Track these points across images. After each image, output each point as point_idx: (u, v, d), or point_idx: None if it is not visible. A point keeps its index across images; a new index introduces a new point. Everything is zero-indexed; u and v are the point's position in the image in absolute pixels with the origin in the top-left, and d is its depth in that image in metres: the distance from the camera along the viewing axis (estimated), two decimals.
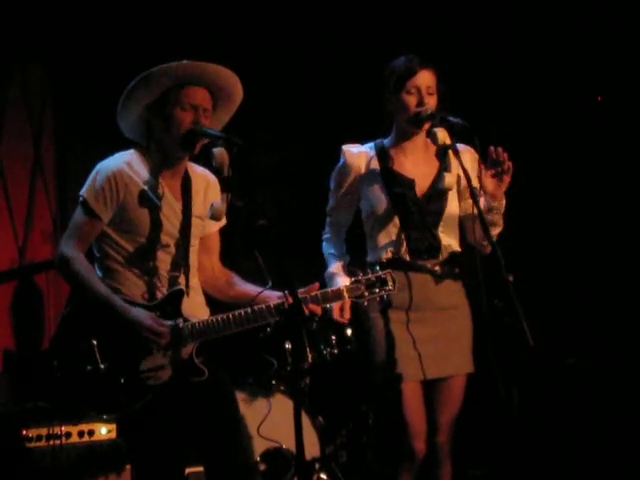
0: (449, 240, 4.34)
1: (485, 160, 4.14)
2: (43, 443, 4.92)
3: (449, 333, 4.29)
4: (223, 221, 4.05)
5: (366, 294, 4.00)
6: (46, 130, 6.06)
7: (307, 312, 3.86)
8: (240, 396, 5.06)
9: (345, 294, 3.98)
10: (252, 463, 4.11)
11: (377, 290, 4.00)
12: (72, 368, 3.81)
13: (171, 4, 6.06)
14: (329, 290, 3.98)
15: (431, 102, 4.22)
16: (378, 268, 4.04)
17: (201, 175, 4.06)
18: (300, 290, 3.83)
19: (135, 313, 3.80)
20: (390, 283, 4.01)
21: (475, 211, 4.00)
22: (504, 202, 4.21)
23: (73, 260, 3.82)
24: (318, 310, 3.93)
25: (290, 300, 3.61)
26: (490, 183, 4.15)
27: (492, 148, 4.09)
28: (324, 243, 4.48)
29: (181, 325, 3.85)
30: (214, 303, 4.07)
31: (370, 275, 4.01)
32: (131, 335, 3.79)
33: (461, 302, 4.36)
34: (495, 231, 4.22)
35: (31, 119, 5.99)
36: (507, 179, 4.15)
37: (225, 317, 3.89)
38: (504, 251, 3.83)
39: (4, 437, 4.97)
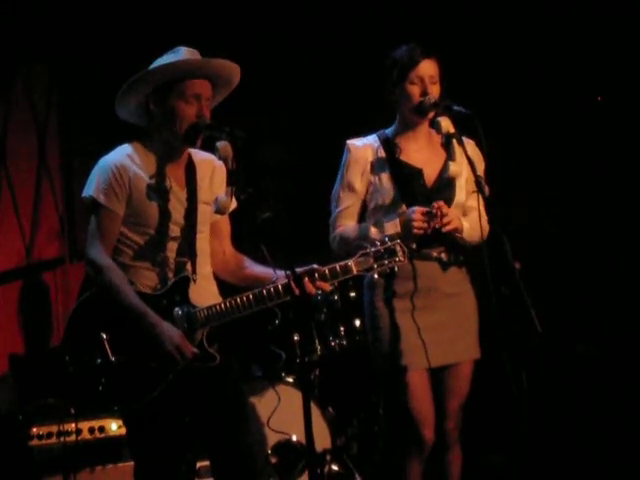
0: None
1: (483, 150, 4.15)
2: (54, 440, 4.92)
3: (454, 320, 4.29)
4: (233, 205, 3.96)
5: (375, 266, 3.94)
6: (51, 128, 6.06)
7: (314, 290, 3.84)
8: (249, 389, 5.07)
9: (353, 268, 3.92)
10: (256, 455, 4.06)
11: (386, 262, 3.94)
12: (83, 362, 3.80)
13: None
14: (337, 265, 3.91)
15: (434, 91, 4.21)
16: (387, 239, 3.97)
17: (206, 160, 4.02)
18: (300, 269, 3.78)
19: (166, 328, 3.78)
20: (400, 253, 3.94)
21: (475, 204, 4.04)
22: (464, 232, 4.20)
23: (105, 269, 3.79)
24: (326, 287, 3.88)
25: (295, 285, 3.59)
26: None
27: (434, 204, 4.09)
28: (334, 237, 4.34)
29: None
30: (227, 289, 4.06)
31: (379, 247, 3.94)
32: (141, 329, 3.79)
33: (466, 289, 4.35)
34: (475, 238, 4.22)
35: (36, 117, 5.99)
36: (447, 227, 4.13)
37: (233, 301, 3.87)
38: (512, 239, 3.83)
39: (14, 436, 4.97)
